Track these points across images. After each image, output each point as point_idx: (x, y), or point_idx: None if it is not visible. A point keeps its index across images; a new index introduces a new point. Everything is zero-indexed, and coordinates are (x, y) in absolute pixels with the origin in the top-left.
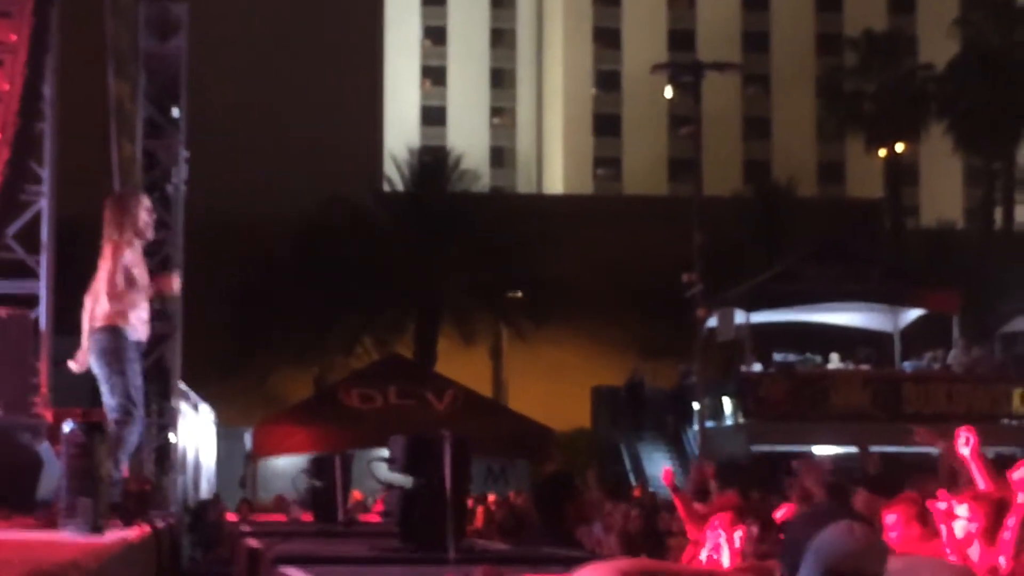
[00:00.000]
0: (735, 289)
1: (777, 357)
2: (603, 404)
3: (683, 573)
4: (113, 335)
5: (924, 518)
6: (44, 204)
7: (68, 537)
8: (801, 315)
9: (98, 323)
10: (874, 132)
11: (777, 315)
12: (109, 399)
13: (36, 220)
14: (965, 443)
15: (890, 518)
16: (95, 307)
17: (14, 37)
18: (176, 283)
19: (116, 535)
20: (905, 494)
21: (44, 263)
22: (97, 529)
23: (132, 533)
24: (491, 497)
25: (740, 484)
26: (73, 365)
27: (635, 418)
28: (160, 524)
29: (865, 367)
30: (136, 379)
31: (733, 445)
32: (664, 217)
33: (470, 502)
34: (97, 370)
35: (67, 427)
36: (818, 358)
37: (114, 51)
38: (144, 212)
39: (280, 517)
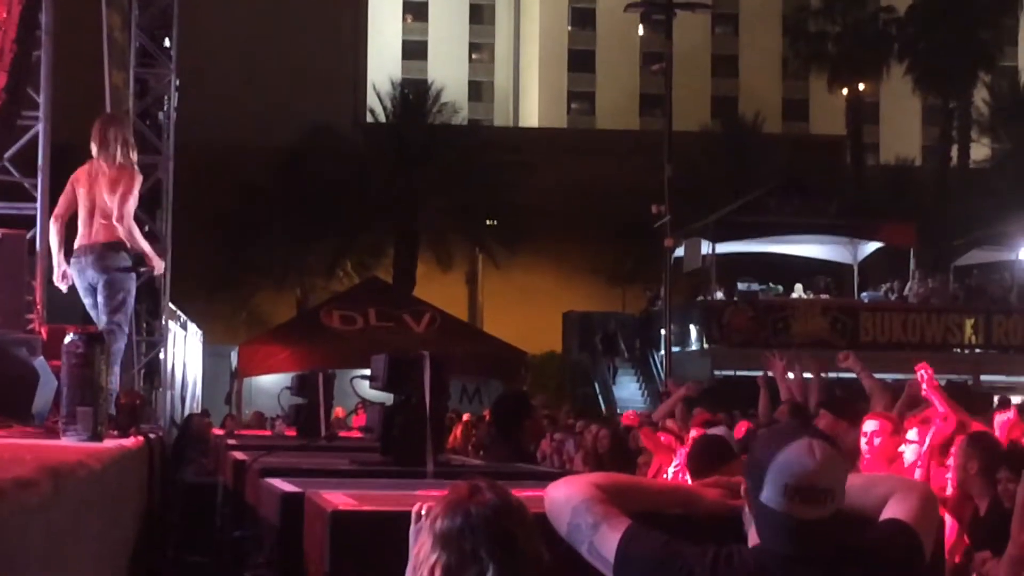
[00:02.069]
0: (702, 220)
1: (741, 286)
2: (573, 329)
3: (652, 486)
4: (125, 253)
5: (895, 436)
6: (40, 128)
7: (70, 443)
8: (764, 246)
9: (105, 239)
10: (837, 72)
11: (741, 246)
12: (110, 315)
13: (32, 144)
14: (921, 379)
15: (869, 424)
16: (99, 223)
17: None
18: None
19: (115, 443)
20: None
21: (40, 185)
22: (97, 436)
23: (128, 442)
24: (465, 416)
25: (705, 406)
26: (63, 285)
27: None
28: (152, 436)
29: (825, 297)
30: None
31: (697, 369)
32: (635, 150)
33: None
34: (103, 285)
35: (68, 338)
36: (780, 288)
37: None
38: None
39: (264, 432)
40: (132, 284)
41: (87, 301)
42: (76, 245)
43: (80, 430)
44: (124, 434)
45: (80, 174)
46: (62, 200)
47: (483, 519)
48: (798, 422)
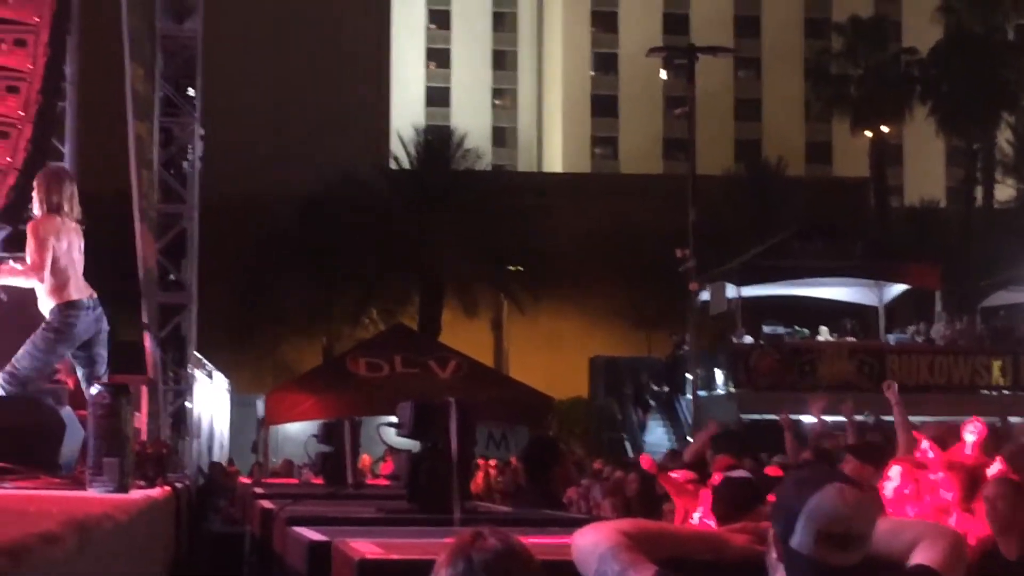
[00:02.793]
0: (727, 264)
1: (767, 329)
2: (600, 373)
3: (680, 533)
4: None
5: (921, 481)
6: None
7: (97, 494)
8: (790, 289)
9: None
10: (860, 114)
11: (767, 289)
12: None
13: None
14: (973, 431)
15: (894, 470)
16: (82, 278)
17: (36, 19)
18: None
19: (141, 494)
20: (909, 456)
21: None
22: (123, 488)
23: (155, 492)
24: (491, 462)
25: (731, 451)
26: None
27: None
28: (180, 485)
29: (851, 339)
30: None
31: (724, 413)
32: (659, 194)
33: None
34: (105, 337)
35: (94, 389)
36: (806, 331)
37: (129, 33)
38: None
39: (291, 480)
40: None
41: (77, 351)
42: (79, 296)
43: (106, 481)
44: (151, 484)
45: (56, 227)
46: (48, 256)
47: (484, 565)
48: (827, 467)
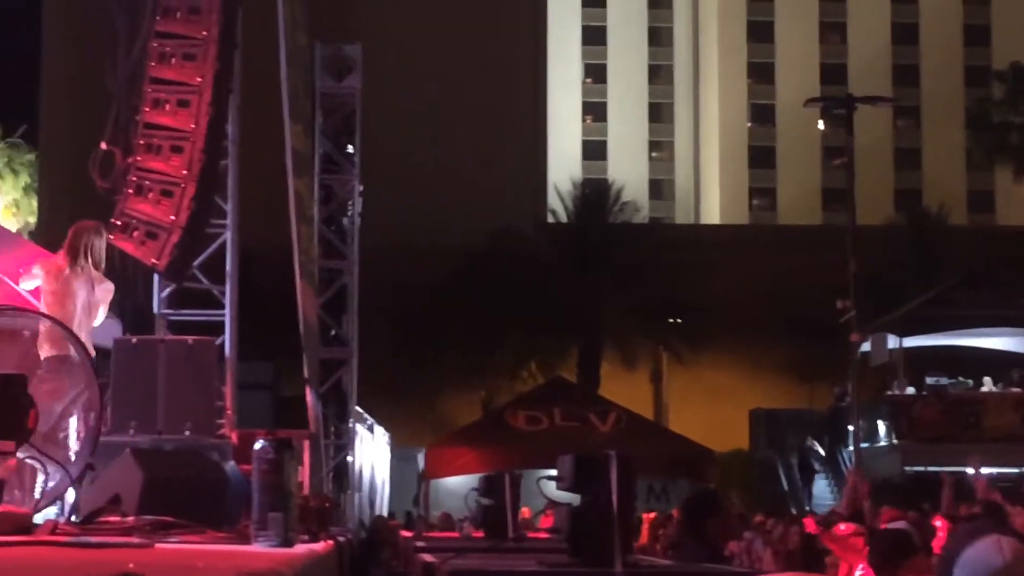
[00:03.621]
0: (888, 315)
1: (929, 380)
2: (761, 426)
3: None
4: None
5: None
6: (228, 236)
7: (262, 549)
8: (953, 339)
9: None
10: (1022, 162)
11: (929, 340)
12: None
13: (220, 251)
14: None
15: None
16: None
17: (199, 79)
18: None
19: (305, 548)
20: None
21: (229, 292)
22: (288, 542)
23: (319, 546)
24: (652, 515)
25: (895, 503)
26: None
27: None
28: (342, 539)
29: (1016, 390)
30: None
31: (887, 465)
32: (818, 245)
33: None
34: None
35: (258, 444)
36: (970, 381)
37: (289, 91)
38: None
39: (452, 534)
40: None
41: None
42: (69, 353)
43: (271, 535)
44: (314, 538)
45: (56, 270)
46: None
47: None
48: (991, 520)
